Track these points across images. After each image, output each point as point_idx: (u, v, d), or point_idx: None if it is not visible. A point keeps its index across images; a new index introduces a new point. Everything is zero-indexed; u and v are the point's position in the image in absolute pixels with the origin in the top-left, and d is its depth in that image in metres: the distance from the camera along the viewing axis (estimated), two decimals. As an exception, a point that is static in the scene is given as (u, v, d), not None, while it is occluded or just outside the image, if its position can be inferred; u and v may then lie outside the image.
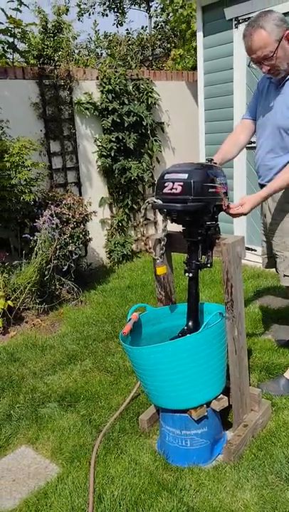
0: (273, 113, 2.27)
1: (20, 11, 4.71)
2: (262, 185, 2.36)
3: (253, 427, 2.24)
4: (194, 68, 6.41)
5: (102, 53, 9.97)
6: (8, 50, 5.00)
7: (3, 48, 5.01)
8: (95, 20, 11.16)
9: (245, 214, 2.18)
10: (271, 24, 2.04)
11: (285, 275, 2.43)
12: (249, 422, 2.25)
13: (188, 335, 2.07)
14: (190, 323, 2.20)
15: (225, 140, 2.56)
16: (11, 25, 4.70)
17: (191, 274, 2.15)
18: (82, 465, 2.18)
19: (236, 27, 4.60)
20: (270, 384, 2.61)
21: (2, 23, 4.75)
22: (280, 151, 2.27)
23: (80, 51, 9.15)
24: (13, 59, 5.22)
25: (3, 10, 4.61)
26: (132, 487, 2.00)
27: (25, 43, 5.24)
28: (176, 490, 1.98)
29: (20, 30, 4.85)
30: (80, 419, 2.53)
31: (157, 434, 2.34)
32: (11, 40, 4.86)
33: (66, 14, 7.61)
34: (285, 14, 4.14)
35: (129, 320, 2.22)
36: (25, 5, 4.73)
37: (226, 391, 2.22)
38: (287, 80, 2.19)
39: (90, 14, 11.35)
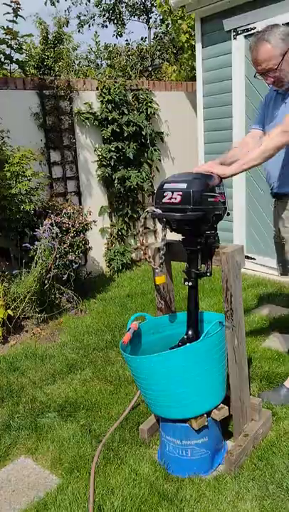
0: (279, 122, 2.30)
1: (17, 23, 4.77)
2: (274, 195, 2.38)
3: (253, 436, 2.23)
4: (193, 78, 6.47)
5: (102, 64, 10.06)
6: (6, 60, 5.05)
7: (0, 59, 5.07)
8: (96, 32, 11.29)
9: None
10: (277, 38, 2.12)
11: None
12: (250, 432, 2.24)
13: (188, 344, 2.07)
14: (190, 332, 2.20)
15: (232, 150, 2.59)
16: (8, 36, 4.75)
17: (190, 283, 2.15)
18: (82, 475, 2.17)
19: (235, 38, 4.65)
20: (271, 393, 2.60)
21: None
22: (286, 159, 2.31)
23: (80, 62, 9.24)
24: (10, 69, 5.28)
25: None
26: (132, 498, 1.99)
27: (22, 54, 5.30)
28: (177, 500, 1.97)
29: (16, 42, 4.91)
30: (79, 429, 2.51)
31: (157, 444, 2.33)
32: (7, 51, 4.91)
33: (66, 26, 7.69)
34: (283, 25, 4.20)
35: (129, 329, 2.22)
36: (21, 16, 4.78)
37: (226, 400, 2.21)
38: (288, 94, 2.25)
39: (89, 26, 11.49)
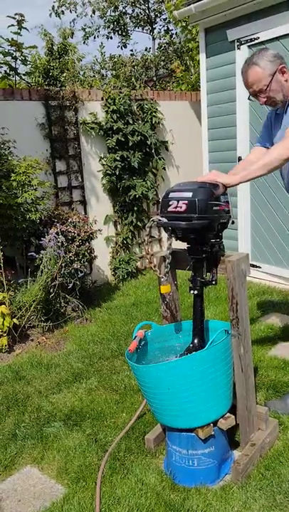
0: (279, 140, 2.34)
1: (21, 35, 4.83)
2: None
3: (260, 446, 2.21)
4: (195, 88, 6.52)
5: (106, 74, 10.16)
6: (11, 72, 5.12)
7: (5, 71, 5.14)
8: (102, 43, 11.41)
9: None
10: (264, 61, 2.23)
11: None
12: (256, 441, 2.22)
13: (194, 352, 2.06)
14: (196, 341, 2.20)
15: (238, 165, 2.63)
16: (13, 48, 4.82)
17: (196, 292, 2.15)
18: (88, 485, 2.16)
19: (238, 48, 4.69)
20: (277, 402, 2.59)
21: (3, 47, 4.87)
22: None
23: (85, 72, 9.33)
24: (15, 81, 5.34)
25: (2, 37, 4.76)
26: (138, 508, 1.98)
27: (26, 65, 5.36)
28: (184, 510, 1.95)
29: (20, 54, 4.97)
30: (85, 439, 2.51)
31: (164, 454, 2.32)
32: (12, 63, 4.98)
33: (72, 37, 7.78)
34: (286, 36, 4.24)
35: (135, 337, 2.22)
36: (25, 28, 4.85)
37: (233, 410, 2.20)
38: (286, 109, 2.33)
39: (94, 37, 11.60)
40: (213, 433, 2.08)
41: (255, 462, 2.18)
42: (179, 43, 9.53)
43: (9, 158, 4.12)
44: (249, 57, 2.29)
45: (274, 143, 2.51)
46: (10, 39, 4.75)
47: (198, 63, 6.91)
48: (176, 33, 9.56)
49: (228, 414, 2.15)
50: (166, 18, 10.27)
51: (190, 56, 7.36)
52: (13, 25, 4.77)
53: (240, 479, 2.07)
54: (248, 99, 2.37)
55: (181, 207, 1.95)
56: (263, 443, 2.24)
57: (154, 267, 2.30)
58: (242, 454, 2.17)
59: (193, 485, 2.09)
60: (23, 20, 4.79)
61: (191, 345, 2.20)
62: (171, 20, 7.58)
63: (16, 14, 4.74)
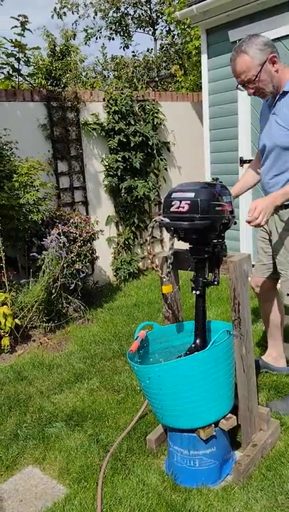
0: (270, 134, 2.33)
1: (24, 36, 4.85)
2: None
3: (262, 446, 2.21)
4: (197, 89, 6.53)
5: (108, 75, 10.17)
6: (14, 73, 5.12)
7: (8, 72, 5.15)
8: (103, 44, 11.43)
9: (264, 216, 2.05)
10: (254, 49, 2.11)
11: (288, 294, 2.43)
12: (258, 442, 2.22)
13: (195, 353, 2.06)
14: (197, 341, 2.20)
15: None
16: (16, 49, 4.83)
17: (198, 292, 2.15)
18: (89, 485, 2.16)
19: (240, 49, 4.69)
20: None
21: (7, 48, 4.88)
22: (278, 169, 2.32)
23: (87, 73, 9.35)
24: (18, 81, 5.35)
25: (5, 38, 4.77)
26: (140, 508, 1.98)
27: (29, 66, 5.37)
28: (185, 511, 1.95)
29: (23, 55, 4.98)
30: (87, 439, 2.51)
31: (165, 454, 2.32)
32: (16, 64, 4.98)
33: (74, 39, 7.79)
34: (288, 36, 4.24)
35: (137, 338, 2.22)
36: (28, 30, 4.86)
37: (235, 410, 2.20)
38: (277, 101, 2.25)
39: (96, 38, 11.62)
40: (214, 433, 2.08)
41: (256, 463, 2.17)
42: (181, 43, 9.55)
43: (11, 159, 4.13)
44: (238, 44, 2.15)
45: (260, 138, 2.47)
46: (13, 40, 4.76)
47: (196, 66, 6.94)
48: (178, 34, 9.58)
49: (229, 414, 2.15)
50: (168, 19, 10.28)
51: (189, 59, 7.37)
52: (16, 26, 4.78)
53: (242, 480, 2.07)
54: (237, 88, 2.26)
55: (183, 207, 1.95)
56: (265, 444, 2.24)
57: (156, 267, 2.30)
58: (243, 455, 2.16)
59: (195, 485, 2.09)
60: (27, 21, 4.80)
61: (193, 346, 2.20)
62: (169, 23, 7.61)
63: (19, 15, 4.76)
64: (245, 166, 4.73)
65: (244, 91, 2.27)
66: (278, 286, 2.71)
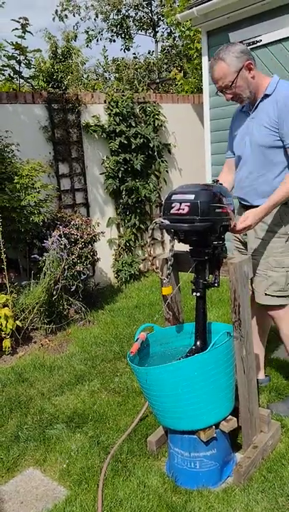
0: (251, 136, 2.36)
1: (25, 38, 4.86)
2: (247, 207, 2.38)
3: (262, 448, 2.21)
4: (197, 91, 6.53)
5: (110, 77, 10.19)
6: (15, 75, 5.14)
7: (9, 74, 5.16)
8: (104, 46, 11.46)
9: (250, 227, 2.22)
10: (231, 56, 2.20)
11: (266, 294, 2.44)
12: (259, 444, 2.22)
13: (196, 354, 2.06)
14: (198, 343, 2.20)
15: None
16: (17, 51, 4.84)
17: (198, 294, 2.16)
18: (90, 487, 2.16)
19: (241, 51, 4.70)
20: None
21: (7, 50, 4.89)
22: (262, 170, 2.34)
23: (88, 75, 9.37)
24: (19, 84, 5.37)
25: (6, 41, 4.79)
26: (140, 510, 1.98)
27: (30, 68, 5.39)
28: (186, 513, 1.95)
29: (24, 58, 5.00)
30: (87, 441, 2.51)
31: (166, 456, 2.32)
32: (17, 66, 5.00)
33: (75, 40, 7.81)
34: (288, 38, 4.25)
35: (137, 339, 2.22)
36: (29, 32, 4.87)
37: (235, 412, 2.20)
38: (258, 105, 2.32)
39: (97, 40, 11.64)
40: (215, 435, 2.08)
41: (257, 465, 2.17)
42: (182, 45, 9.56)
43: (12, 161, 4.14)
44: (216, 52, 2.24)
45: (234, 144, 2.52)
46: (14, 42, 4.78)
47: (196, 69, 6.95)
48: (179, 36, 9.59)
49: (230, 416, 2.15)
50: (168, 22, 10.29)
51: (190, 61, 7.38)
52: (17, 28, 4.80)
53: (243, 482, 2.07)
54: (216, 94, 2.35)
55: (183, 209, 1.95)
56: (265, 445, 2.24)
57: (157, 269, 2.31)
58: (244, 457, 2.16)
59: (196, 487, 2.09)
60: (27, 24, 4.82)
61: (194, 347, 2.20)
62: (170, 25, 7.61)
63: (20, 18, 4.77)
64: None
65: (223, 96, 2.35)
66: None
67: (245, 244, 2.58)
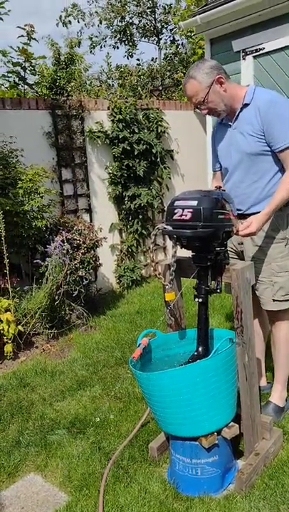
0: (236, 146, 2.38)
1: (30, 45, 4.91)
2: (240, 216, 2.39)
3: (264, 455, 2.20)
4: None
5: (113, 84, 10.24)
6: (20, 82, 5.18)
7: (14, 80, 5.20)
8: (108, 53, 11.51)
9: (254, 233, 2.23)
10: (201, 73, 2.25)
11: (274, 300, 2.44)
12: (260, 451, 2.21)
13: (198, 361, 2.06)
14: (200, 349, 2.20)
15: None
16: (22, 57, 4.89)
17: (200, 300, 2.16)
18: (91, 493, 2.16)
19: (244, 59, 4.73)
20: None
21: (13, 57, 4.94)
22: (254, 177, 2.37)
23: (91, 82, 9.41)
24: (24, 90, 5.41)
25: (12, 47, 4.84)
26: (141, 517, 1.97)
27: (35, 75, 5.43)
28: (187, 520, 1.94)
29: (29, 64, 5.04)
30: (89, 447, 2.50)
31: (167, 463, 2.31)
32: (22, 72, 5.04)
33: (78, 47, 7.85)
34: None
35: (139, 345, 2.23)
36: (34, 39, 4.91)
37: (237, 419, 2.19)
38: (238, 115, 2.35)
39: (101, 47, 11.70)
40: (217, 442, 2.07)
41: (259, 472, 2.17)
42: (185, 53, 9.61)
43: (16, 166, 4.17)
44: (188, 71, 2.32)
45: (219, 157, 2.55)
46: (20, 48, 4.82)
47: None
48: (182, 43, 9.64)
49: (232, 423, 2.14)
50: (172, 29, 10.34)
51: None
52: (22, 35, 4.84)
53: (244, 489, 2.06)
54: (194, 110, 2.43)
55: (186, 215, 1.96)
56: (267, 452, 2.23)
57: (159, 274, 2.31)
58: (246, 464, 2.16)
59: (197, 494, 2.08)
60: (33, 31, 4.86)
61: (196, 354, 2.20)
62: (178, 32, 7.67)
63: (25, 25, 4.82)
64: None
65: (200, 112, 2.39)
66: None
67: (238, 253, 2.60)
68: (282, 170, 2.33)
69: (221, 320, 4.10)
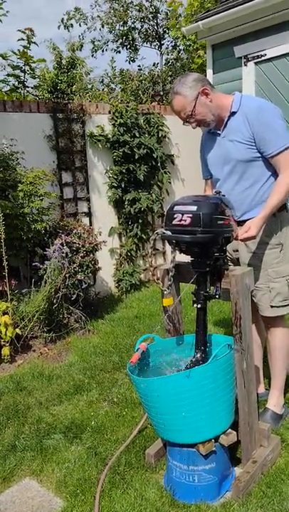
0: (227, 153, 2.40)
1: (30, 49, 4.93)
2: (237, 223, 2.37)
3: (262, 463, 2.19)
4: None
5: (115, 88, 10.27)
6: (19, 85, 5.19)
7: (13, 84, 5.21)
8: (112, 57, 11.55)
9: (253, 237, 2.24)
10: (185, 88, 2.29)
11: (272, 306, 2.44)
12: (258, 458, 2.20)
13: (196, 367, 2.05)
14: (198, 355, 2.18)
15: None
16: (21, 60, 4.90)
17: (199, 305, 2.15)
18: (86, 499, 2.14)
19: (245, 65, 4.74)
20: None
21: (13, 61, 4.96)
22: (246, 183, 2.38)
23: (92, 86, 9.44)
24: (24, 93, 5.41)
25: (12, 51, 4.85)
26: (137, 524, 1.95)
27: (35, 78, 5.44)
28: (183, 528, 1.92)
29: (28, 68, 5.05)
30: (85, 452, 2.49)
31: (164, 469, 2.29)
32: (22, 76, 5.06)
33: (80, 50, 7.87)
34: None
35: (138, 349, 2.21)
36: (34, 43, 4.93)
37: (235, 426, 2.18)
38: (226, 123, 2.38)
39: (103, 51, 11.75)
40: (214, 449, 2.06)
41: (256, 479, 2.15)
42: (187, 58, 9.65)
43: (17, 168, 4.16)
44: (172, 86, 2.35)
45: (209, 165, 2.57)
46: (20, 51, 4.83)
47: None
48: (183, 49, 9.68)
49: (229, 430, 2.13)
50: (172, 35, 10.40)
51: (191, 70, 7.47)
52: (22, 39, 4.85)
53: (241, 496, 2.05)
54: (183, 124, 2.45)
55: (185, 220, 1.95)
56: (265, 460, 2.21)
57: (157, 279, 2.30)
58: (243, 471, 2.14)
59: (194, 501, 2.06)
60: (33, 34, 4.88)
61: (194, 359, 2.18)
62: (173, 38, 7.71)
63: (25, 29, 4.83)
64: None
65: (189, 125, 2.43)
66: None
67: (234, 261, 2.59)
68: (274, 175, 2.35)
69: (219, 326, 4.09)
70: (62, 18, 10.71)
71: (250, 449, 2.20)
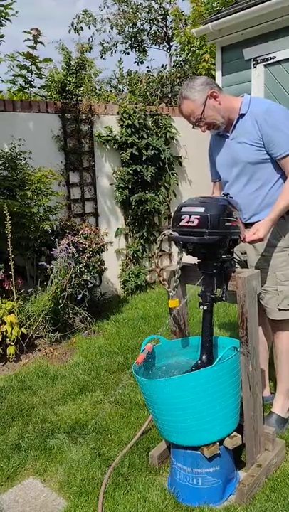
0: (236, 155, 2.38)
1: (36, 49, 4.94)
2: (245, 225, 2.36)
3: (266, 467, 2.17)
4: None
5: (123, 90, 10.28)
6: (26, 85, 5.22)
7: (21, 84, 5.24)
8: (120, 58, 11.58)
9: (261, 239, 2.22)
10: (193, 92, 2.28)
11: (280, 309, 2.43)
12: (263, 462, 2.18)
13: (201, 369, 2.04)
14: (204, 357, 2.17)
15: None
16: (28, 60, 4.92)
17: (205, 307, 2.14)
18: (90, 500, 2.13)
19: (254, 67, 4.73)
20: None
21: (19, 61, 4.99)
22: (255, 185, 2.37)
23: (101, 87, 9.46)
24: (31, 94, 5.44)
25: (19, 52, 4.88)
26: (140, 525, 1.94)
27: (41, 78, 5.46)
28: (186, 531, 1.91)
29: (35, 67, 5.07)
30: (89, 452, 2.48)
31: (168, 471, 2.29)
32: (28, 76, 5.08)
33: (89, 52, 7.90)
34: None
35: (143, 350, 2.21)
36: (41, 43, 4.95)
37: (240, 429, 2.16)
38: (235, 125, 2.37)
39: (112, 52, 11.77)
40: (218, 452, 2.05)
41: (260, 483, 2.13)
42: (195, 60, 9.65)
43: (24, 168, 4.18)
44: (180, 91, 2.34)
45: (218, 167, 2.56)
46: (25, 52, 4.85)
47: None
48: (187, 54, 9.69)
49: (234, 433, 2.12)
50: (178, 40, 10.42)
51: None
52: (28, 39, 4.87)
53: (245, 500, 2.03)
54: (193, 128, 2.44)
55: (193, 221, 1.95)
56: (270, 464, 2.20)
57: (163, 281, 2.29)
58: (247, 475, 2.13)
59: (197, 504, 2.05)
60: (39, 35, 4.90)
61: (199, 362, 2.17)
62: (178, 42, 7.73)
63: (31, 29, 4.86)
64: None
65: (198, 129, 2.41)
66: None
67: (242, 263, 2.58)
68: (283, 177, 2.34)
69: (225, 328, 4.08)
70: (72, 22, 10.75)
71: (254, 453, 2.19)
